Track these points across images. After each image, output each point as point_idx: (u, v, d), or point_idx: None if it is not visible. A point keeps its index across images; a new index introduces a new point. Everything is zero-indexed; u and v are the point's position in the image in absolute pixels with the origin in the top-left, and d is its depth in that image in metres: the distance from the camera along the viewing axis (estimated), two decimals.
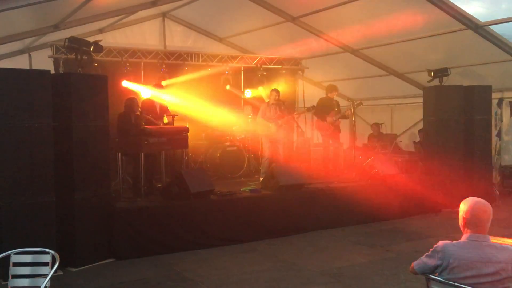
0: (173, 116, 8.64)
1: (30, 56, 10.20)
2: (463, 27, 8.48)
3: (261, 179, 8.71)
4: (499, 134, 10.69)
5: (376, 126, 12.31)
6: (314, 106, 9.53)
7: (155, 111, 8.58)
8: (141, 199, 7.42)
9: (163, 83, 9.94)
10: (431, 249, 3.08)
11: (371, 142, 12.06)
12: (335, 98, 10.38)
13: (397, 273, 5.76)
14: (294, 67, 12.04)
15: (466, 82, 9.70)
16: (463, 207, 3.03)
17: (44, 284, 3.51)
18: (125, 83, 9.62)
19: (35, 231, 5.74)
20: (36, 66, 9.48)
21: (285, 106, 9.34)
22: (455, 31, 8.69)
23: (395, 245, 7.08)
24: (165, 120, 8.77)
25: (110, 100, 6.72)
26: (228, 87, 11.24)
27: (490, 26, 8.53)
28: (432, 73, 9.48)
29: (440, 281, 3.00)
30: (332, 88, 10.20)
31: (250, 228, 7.44)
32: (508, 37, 8.69)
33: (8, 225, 5.65)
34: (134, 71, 10.05)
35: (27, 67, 9.81)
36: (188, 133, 8.61)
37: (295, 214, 7.85)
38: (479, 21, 8.39)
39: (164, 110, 8.79)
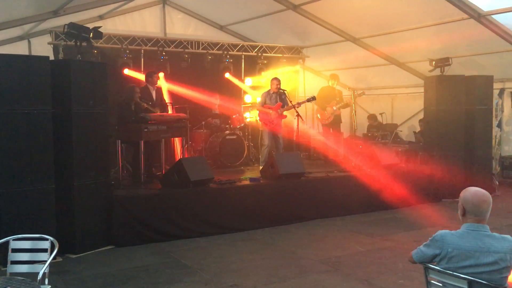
0: (171, 103, 8.62)
1: (29, 42, 10.15)
2: (466, 16, 8.41)
3: (261, 167, 8.71)
4: (499, 125, 10.67)
5: (372, 118, 12.30)
6: (314, 96, 9.50)
7: (151, 99, 8.55)
8: (140, 187, 7.42)
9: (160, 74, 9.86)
10: (430, 238, 3.07)
11: (370, 132, 12.05)
12: (338, 87, 10.34)
13: (395, 262, 5.77)
14: (295, 55, 11.98)
15: (467, 72, 9.66)
16: (463, 196, 3.02)
17: (43, 270, 3.52)
18: (127, 71, 9.61)
19: (34, 217, 5.75)
20: (36, 52, 9.47)
21: (285, 95, 9.30)
22: (457, 20, 8.63)
23: (394, 235, 7.10)
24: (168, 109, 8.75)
25: (109, 88, 6.69)
26: (227, 74, 11.19)
27: (493, 16, 8.46)
28: (434, 62, 9.44)
29: (438, 270, 3.00)
30: (332, 77, 10.16)
31: (249, 216, 7.45)
32: (511, 27, 8.62)
33: (7, 211, 5.65)
34: (133, 58, 10.00)
35: (27, 53, 9.79)
36: (187, 121, 8.60)
37: (294, 203, 7.86)
38: (482, 10, 8.32)
39: (161, 98, 8.76)
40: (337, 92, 10.16)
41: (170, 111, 8.86)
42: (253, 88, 11.67)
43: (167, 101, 8.92)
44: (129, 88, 8.10)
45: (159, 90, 8.87)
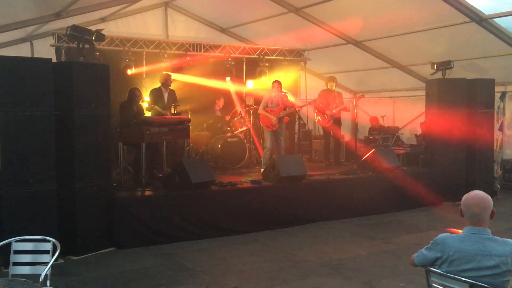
0: (175, 106, 8.65)
1: (32, 44, 10.18)
2: (467, 19, 8.43)
3: (262, 170, 8.71)
4: (501, 128, 10.66)
5: (375, 120, 12.30)
6: (315, 99, 9.51)
7: (162, 101, 8.59)
8: (142, 189, 7.43)
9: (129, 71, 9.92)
10: (431, 242, 3.08)
11: (372, 135, 12.06)
12: (337, 89, 10.34)
13: (396, 265, 5.77)
14: (297, 58, 12.00)
15: (469, 75, 9.66)
16: (462, 199, 3.03)
17: (45, 271, 3.53)
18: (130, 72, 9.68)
19: (36, 219, 5.75)
20: (38, 54, 9.50)
21: (287, 98, 9.30)
22: (459, 24, 8.64)
23: (395, 238, 7.09)
24: (173, 110, 8.77)
25: (111, 90, 6.69)
26: (228, 79, 11.21)
27: (494, 19, 8.47)
28: (435, 65, 9.45)
29: (439, 274, 3.00)
30: (329, 79, 10.18)
31: (250, 219, 7.45)
32: None
33: (9, 213, 5.66)
34: (136, 60, 10.02)
35: (29, 55, 9.82)
36: (189, 124, 8.61)
37: (295, 206, 7.85)
38: (483, 13, 8.33)
39: (173, 100, 8.79)
40: (337, 94, 10.15)
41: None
42: (254, 90, 11.69)
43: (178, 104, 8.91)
44: (131, 91, 8.12)
45: (171, 93, 8.90)
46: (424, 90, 9.94)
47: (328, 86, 10.16)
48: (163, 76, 8.84)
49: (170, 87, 8.94)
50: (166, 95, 8.70)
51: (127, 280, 5.40)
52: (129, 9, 10.87)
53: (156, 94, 8.64)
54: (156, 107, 8.62)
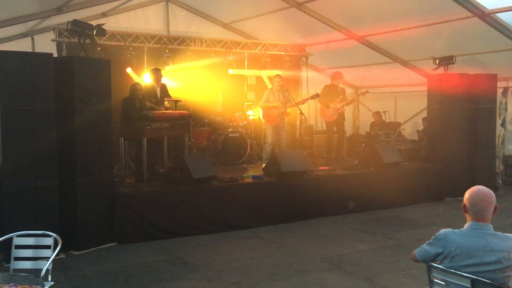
0: (176, 101, 8.62)
1: (33, 39, 10.17)
2: (470, 14, 8.38)
3: (264, 165, 8.71)
4: (503, 124, 10.62)
5: (378, 115, 12.28)
6: (318, 94, 9.49)
7: (155, 96, 8.56)
8: (143, 184, 7.44)
9: (166, 67, 9.94)
10: (433, 237, 3.07)
11: (373, 130, 12.03)
12: (341, 85, 10.31)
13: (398, 261, 5.77)
14: (298, 53, 11.97)
15: (471, 71, 9.63)
16: (465, 195, 3.02)
17: (46, 266, 3.53)
18: (129, 70, 9.65)
19: (37, 214, 5.76)
20: (39, 49, 9.49)
21: (288, 93, 9.28)
22: (461, 19, 8.59)
23: (397, 233, 7.09)
24: (166, 104, 8.74)
25: (112, 85, 6.68)
26: (231, 71, 11.19)
27: (497, 14, 8.42)
28: (437, 61, 9.41)
29: (441, 269, 2.99)
30: (336, 75, 10.14)
31: (252, 214, 7.46)
32: None
33: (11, 208, 5.67)
34: (137, 55, 10.01)
35: (30, 50, 9.80)
36: (190, 119, 8.60)
37: (297, 201, 7.85)
38: (486, 8, 8.28)
39: (165, 95, 8.76)
40: (340, 90, 10.13)
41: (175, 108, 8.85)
42: (255, 86, 11.67)
43: (173, 98, 8.87)
44: (132, 86, 8.11)
45: (163, 87, 8.86)
46: (426, 86, 9.91)
47: (335, 82, 10.10)
48: (153, 71, 8.81)
49: (161, 82, 8.88)
50: (158, 90, 8.68)
51: (129, 275, 5.41)
52: (130, 4, 10.84)
53: (149, 90, 8.60)
54: (149, 103, 8.57)
